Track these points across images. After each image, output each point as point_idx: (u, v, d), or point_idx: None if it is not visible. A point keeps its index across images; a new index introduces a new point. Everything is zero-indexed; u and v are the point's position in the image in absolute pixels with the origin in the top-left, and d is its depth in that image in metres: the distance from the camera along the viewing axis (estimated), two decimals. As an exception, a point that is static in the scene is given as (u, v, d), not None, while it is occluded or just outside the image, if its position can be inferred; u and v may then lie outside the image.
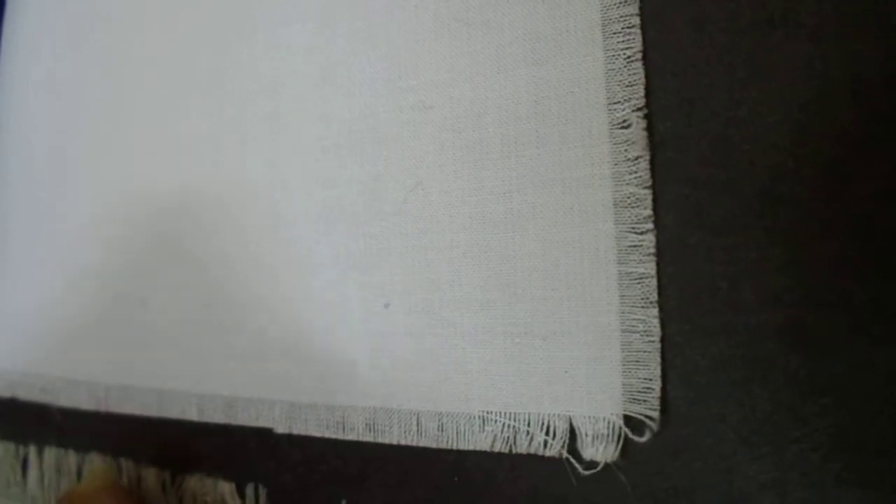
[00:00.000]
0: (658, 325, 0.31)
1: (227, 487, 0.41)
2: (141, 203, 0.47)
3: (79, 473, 0.50)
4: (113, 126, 0.49)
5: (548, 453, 0.32)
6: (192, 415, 0.42)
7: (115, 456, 0.48)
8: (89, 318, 0.50)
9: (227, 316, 0.42)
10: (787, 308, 0.29)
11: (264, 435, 0.40)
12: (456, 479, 0.34)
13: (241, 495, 0.41)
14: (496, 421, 0.33)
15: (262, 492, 0.40)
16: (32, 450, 0.52)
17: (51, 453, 0.51)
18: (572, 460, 0.32)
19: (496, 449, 0.33)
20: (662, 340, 0.31)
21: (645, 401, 0.31)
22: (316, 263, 0.39)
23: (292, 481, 0.39)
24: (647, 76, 0.31)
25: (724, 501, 0.29)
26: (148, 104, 0.47)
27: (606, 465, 0.31)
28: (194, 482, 0.43)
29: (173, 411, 0.44)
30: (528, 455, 0.33)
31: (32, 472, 0.52)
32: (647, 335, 0.31)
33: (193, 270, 0.43)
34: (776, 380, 0.29)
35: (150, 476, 0.45)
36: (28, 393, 0.52)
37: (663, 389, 0.31)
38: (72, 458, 0.50)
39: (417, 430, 0.35)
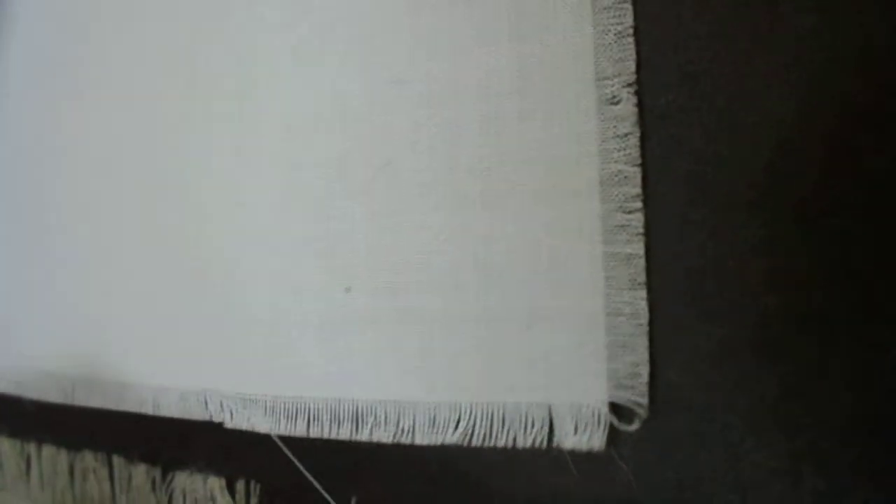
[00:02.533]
0: (646, 308, 0.29)
1: (216, 483, 0.40)
2: (110, 181, 0.45)
3: (71, 472, 0.48)
4: (91, 104, 0.47)
5: (527, 444, 0.29)
6: (149, 408, 0.41)
7: (107, 453, 0.46)
8: (56, 310, 0.48)
9: (182, 306, 0.40)
10: (797, 288, 0.27)
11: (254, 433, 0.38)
12: (452, 471, 0.32)
13: (232, 492, 0.39)
14: (466, 412, 0.30)
15: (256, 487, 0.38)
16: (33, 447, 0.50)
17: (47, 451, 0.50)
18: (565, 452, 0.29)
19: (468, 443, 0.31)
20: (652, 322, 0.28)
21: (632, 387, 0.28)
22: (274, 246, 0.36)
23: (288, 477, 0.36)
24: (646, 51, 0.30)
25: (733, 491, 0.27)
26: (123, 82, 0.45)
27: (609, 457, 0.29)
28: (184, 479, 0.41)
29: (131, 404, 0.42)
30: (516, 451, 0.30)
31: (34, 471, 0.51)
32: (635, 318, 0.29)
33: (155, 256, 0.41)
34: (786, 364, 0.27)
35: (140, 473, 0.43)
36: (4, 387, 0.50)
37: (662, 376, 0.28)
38: (63, 456, 0.49)
39: (375, 423, 0.32)
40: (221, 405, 0.38)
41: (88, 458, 0.48)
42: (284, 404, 0.35)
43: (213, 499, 0.41)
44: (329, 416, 0.34)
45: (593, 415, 0.29)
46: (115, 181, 0.45)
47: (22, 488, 0.53)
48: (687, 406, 0.28)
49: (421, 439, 0.32)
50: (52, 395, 0.48)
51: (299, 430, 0.35)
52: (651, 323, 0.29)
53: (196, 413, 0.39)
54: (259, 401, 0.36)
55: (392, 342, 0.33)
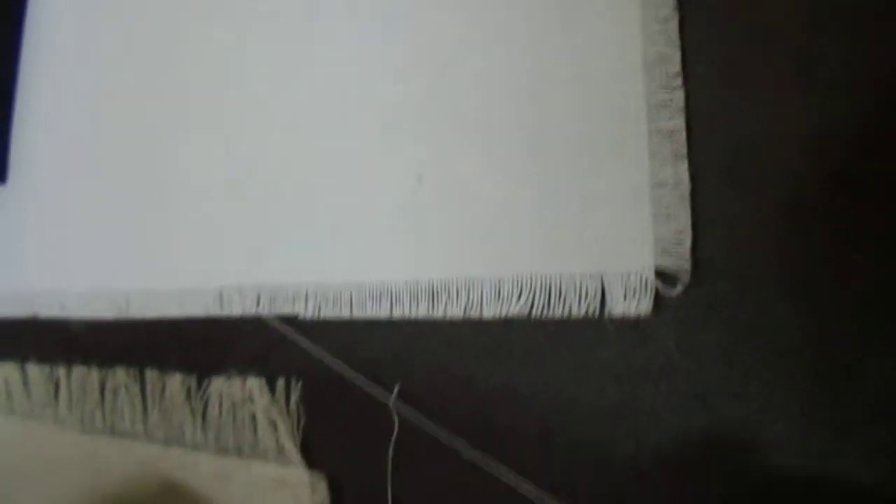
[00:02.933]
0: (688, 179, 0.30)
1: (255, 383, 0.40)
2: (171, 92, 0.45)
3: (101, 390, 0.48)
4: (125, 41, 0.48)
5: (581, 314, 0.31)
6: (215, 309, 0.41)
7: (140, 368, 0.46)
8: (111, 227, 0.48)
9: (249, 203, 0.41)
10: (831, 156, 0.29)
11: (297, 326, 0.39)
12: (498, 352, 0.33)
13: (272, 391, 0.40)
14: (527, 286, 0.32)
15: (297, 385, 0.39)
16: (62, 371, 0.51)
17: (77, 372, 0.50)
18: (611, 320, 0.31)
19: (527, 313, 0.32)
20: (693, 193, 0.30)
21: (676, 253, 0.30)
22: (351, 140, 0.38)
23: (329, 370, 0.38)
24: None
25: (769, 355, 0.29)
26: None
27: (648, 325, 0.31)
28: (221, 383, 0.42)
29: (195, 308, 0.42)
30: (568, 321, 0.32)
31: (62, 394, 0.51)
32: (678, 189, 0.30)
33: (218, 156, 0.42)
34: (820, 230, 0.29)
35: (174, 383, 0.44)
36: (49, 310, 0.51)
37: (704, 244, 0.30)
38: (94, 374, 0.49)
39: (448, 300, 0.34)
40: (306, 297, 0.39)
41: (120, 374, 0.48)
42: (370, 289, 0.37)
43: (251, 399, 0.41)
44: (408, 296, 0.35)
45: (641, 281, 0.31)
46: (175, 93, 0.46)
47: (49, 414, 0.53)
48: (725, 272, 0.30)
49: (488, 312, 0.34)
50: (105, 312, 0.48)
51: (383, 311, 0.36)
52: (692, 194, 0.31)
53: (272, 308, 0.40)
54: (345, 288, 0.37)
55: (460, 225, 0.35)
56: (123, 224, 0.49)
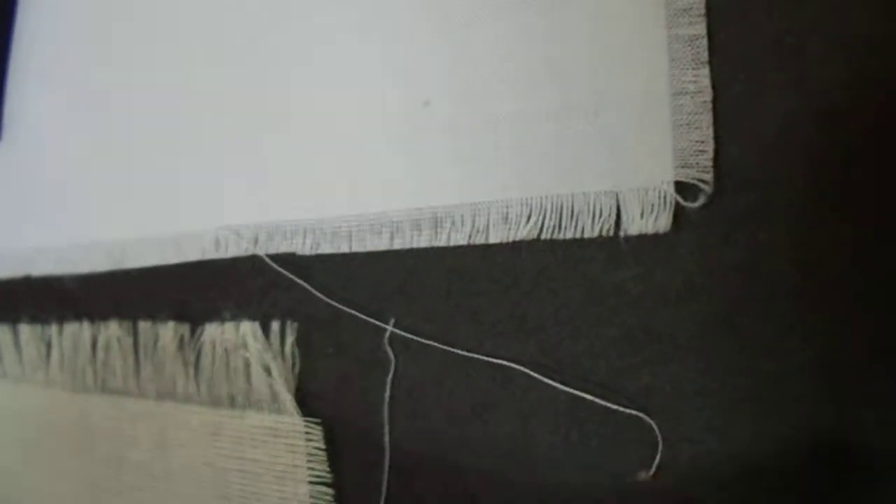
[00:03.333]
0: (710, 86, 0.28)
1: (249, 328, 0.38)
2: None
3: (93, 346, 0.46)
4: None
5: (595, 234, 0.29)
6: (211, 252, 0.39)
7: (133, 321, 0.44)
8: (105, 178, 0.46)
9: (248, 139, 0.39)
10: (858, 57, 0.26)
11: (294, 265, 0.36)
12: (504, 279, 0.31)
13: (267, 334, 0.37)
14: (536, 207, 0.30)
15: (292, 327, 0.36)
16: (54, 329, 0.48)
17: (69, 330, 0.48)
18: (627, 239, 0.29)
19: (538, 235, 0.30)
20: (716, 101, 0.28)
21: (697, 164, 0.28)
22: (353, 68, 0.35)
23: (325, 310, 0.35)
24: None
25: (795, 267, 0.26)
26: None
27: (667, 243, 0.28)
28: (214, 329, 0.39)
29: (192, 252, 0.40)
30: (581, 243, 0.30)
31: (54, 353, 0.49)
32: (699, 96, 0.28)
33: (214, 93, 0.40)
34: (854, 135, 0.26)
35: (167, 333, 0.42)
36: (43, 267, 0.49)
37: (726, 154, 0.28)
38: (86, 331, 0.47)
39: (452, 227, 0.32)
40: (304, 233, 0.36)
41: (112, 328, 0.46)
42: (370, 221, 0.34)
43: (244, 345, 0.39)
44: (410, 226, 0.33)
45: (659, 196, 0.29)
46: (171, 33, 0.44)
47: (41, 375, 0.51)
48: (750, 184, 0.28)
49: (495, 237, 0.31)
50: (100, 264, 0.46)
51: (383, 243, 0.34)
52: (714, 101, 0.29)
53: (269, 247, 0.38)
54: (343, 222, 0.35)
55: (468, 148, 0.32)
56: (118, 173, 0.47)
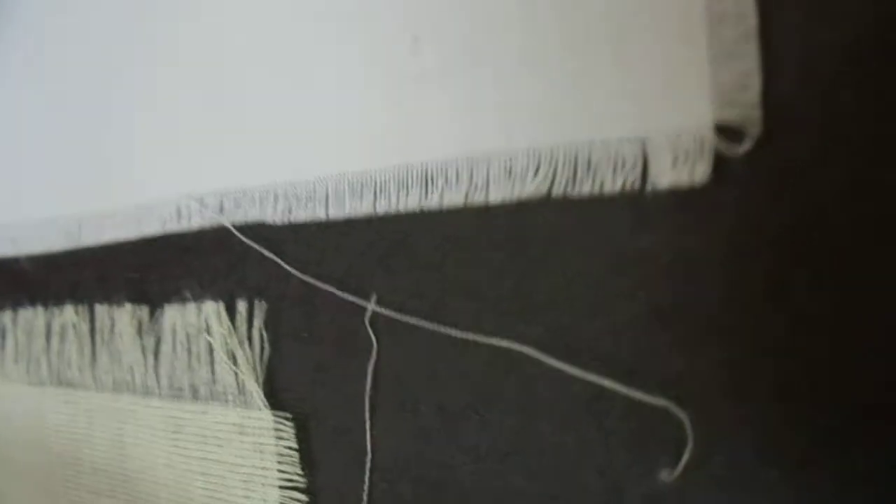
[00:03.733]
0: (754, 10, 0.22)
1: (212, 309, 0.33)
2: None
3: (48, 332, 0.41)
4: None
5: (617, 189, 0.24)
6: (173, 222, 0.34)
7: (89, 302, 0.39)
8: (60, 151, 0.41)
9: (210, 95, 0.33)
10: None
11: (261, 237, 0.31)
12: (507, 246, 0.25)
13: (233, 315, 0.32)
14: (546, 159, 0.25)
15: (260, 307, 0.31)
16: (8, 316, 0.43)
17: (24, 316, 0.42)
18: (656, 194, 0.23)
19: (548, 192, 0.25)
20: (762, 28, 0.22)
21: (741, 102, 0.22)
22: None
23: (298, 287, 0.30)
24: None
25: (863, 228, 0.21)
26: None
27: (705, 198, 0.23)
28: (174, 312, 0.34)
29: (153, 225, 0.35)
30: (600, 200, 0.24)
31: (9, 343, 0.44)
32: (742, 21, 0.23)
33: (171, 45, 0.35)
34: None
35: (124, 316, 0.36)
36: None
37: (776, 91, 0.22)
38: (41, 317, 0.41)
39: (446, 184, 0.26)
40: (275, 198, 0.31)
41: (68, 313, 0.41)
42: (350, 181, 0.29)
43: (207, 328, 0.34)
44: (396, 184, 0.28)
45: (695, 140, 0.24)
46: None
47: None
48: (804, 125, 0.23)
49: (496, 194, 0.26)
50: (57, 243, 0.41)
51: (365, 207, 0.29)
52: (761, 28, 0.23)
53: (236, 215, 0.32)
54: (319, 184, 0.30)
55: (465, 94, 0.27)
56: (73, 144, 0.42)
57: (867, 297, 0.21)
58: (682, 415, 0.23)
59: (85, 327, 0.40)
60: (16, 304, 0.45)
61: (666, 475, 0.23)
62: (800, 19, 0.23)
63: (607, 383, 0.23)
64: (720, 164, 0.23)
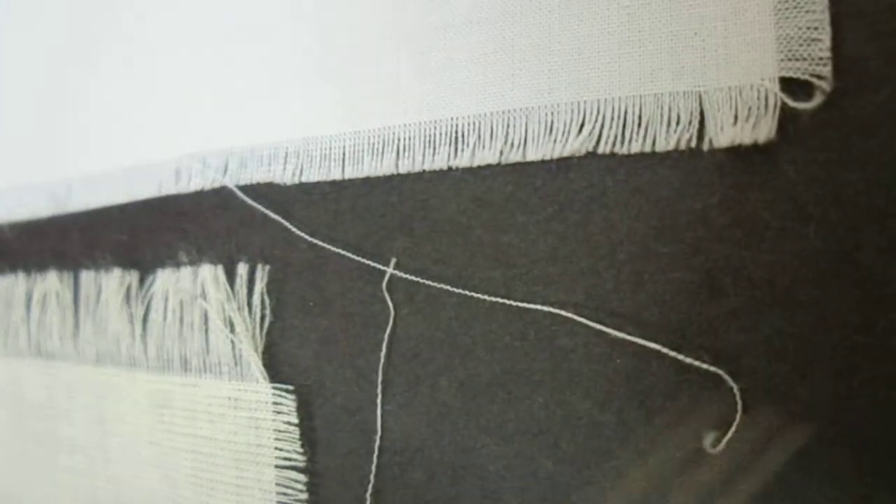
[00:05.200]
0: (826, -43, 0.20)
1: (209, 272, 0.29)
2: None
3: (28, 301, 0.36)
4: None
5: (670, 146, 0.20)
6: (170, 185, 0.30)
7: (74, 270, 0.34)
8: (47, 111, 0.37)
9: (211, 46, 0.30)
10: None
11: (266, 198, 0.28)
12: (546, 209, 0.22)
13: (232, 281, 0.28)
14: (592, 112, 0.21)
15: (263, 270, 0.27)
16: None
17: (2, 283, 0.38)
18: (713, 152, 0.20)
19: (593, 149, 0.21)
20: None
21: (809, 56, 0.20)
22: None
23: (307, 252, 0.26)
24: None
25: None
26: None
27: (767, 157, 0.20)
28: (166, 277, 0.30)
29: (148, 187, 0.31)
30: (651, 158, 0.21)
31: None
32: (812, -31, 0.20)
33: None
34: None
35: (112, 282, 0.32)
36: None
37: (848, 44, 0.19)
38: (21, 285, 0.37)
39: (478, 142, 0.23)
40: (285, 157, 0.27)
41: (51, 280, 0.36)
42: (369, 138, 0.25)
43: (203, 294, 0.30)
44: (423, 143, 0.24)
45: (758, 96, 0.21)
46: None
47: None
48: (878, 81, 0.20)
49: (534, 152, 0.23)
50: (41, 209, 0.37)
51: (387, 166, 0.25)
52: (833, -22, 0.21)
53: (241, 176, 0.29)
54: (335, 141, 0.26)
55: (500, 42, 0.24)
56: (62, 103, 0.38)
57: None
58: (734, 384, 0.20)
59: (69, 295, 0.36)
60: (-4, 271, 0.41)
61: (711, 444, 0.20)
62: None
63: (654, 346, 0.20)
64: (785, 121, 0.20)
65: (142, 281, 0.33)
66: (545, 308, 0.22)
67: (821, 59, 0.20)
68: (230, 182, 0.30)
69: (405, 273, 0.25)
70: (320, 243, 0.27)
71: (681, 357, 0.20)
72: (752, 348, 0.20)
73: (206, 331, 0.30)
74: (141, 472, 0.33)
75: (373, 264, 0.25)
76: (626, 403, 0.21)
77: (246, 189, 0.29)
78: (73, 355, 0.36)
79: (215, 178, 0.30)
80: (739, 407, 0.20)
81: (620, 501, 0.22)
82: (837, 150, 0.20)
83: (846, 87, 0.20)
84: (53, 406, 0.37)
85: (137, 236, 0.33)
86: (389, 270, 0.25)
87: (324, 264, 0.27)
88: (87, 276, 0.35)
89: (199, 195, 0.31)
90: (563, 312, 0.22)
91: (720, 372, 0.20)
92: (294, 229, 0.28)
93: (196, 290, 0.30)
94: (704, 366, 0.20)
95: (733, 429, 0.20)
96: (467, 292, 0.23)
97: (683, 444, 0.21)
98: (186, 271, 0.31)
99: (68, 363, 0.36)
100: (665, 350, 0.20)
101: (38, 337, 0.38)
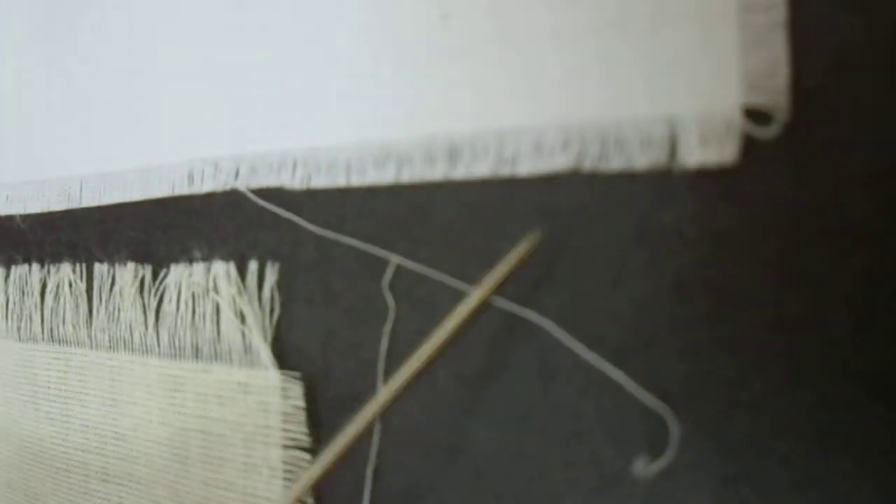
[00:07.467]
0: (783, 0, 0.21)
1: (221, 268, 0.29)
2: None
3: (42, 289, 0.36)
4: None
5: (644, 166, 0.22)
6: (183, 186, 0.30)
7: (88, 262, 0.34)
8: (61, 108, 0.37)
9: (226, 57, 0.30)
10: None
11: (276, 200, 0.28)
12: (532, 217, 0.23)
13: (243, 277, 0.29)
14: (575, 134, 0.22)
15: (273, 267, 0.28)
16: (0, 273, 0.38)
17: (17, 273, 0.38)
18: (684, 172, 0.21)
19: (576, 167, 0.22)
20: (791, 17, 0.21)
21: (769, 87, 0.21)
22: None
23: (314, 251, 0.27)
24: None
25: (888, 216, 0.19)
26: None
27: (731, 177, 0.21)
28: (180, 271, 0.30)
29: (161, 188, 0.31)
30: (626, 176, 0.22)
31: (0, 300, 0.39)
32: (771, 9, 0.21)
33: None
34: None
35: (126, 275, 0.32)
36: None
37: (804, 77, 0.21)
38: (36, 275, 0.37)
39: (473, 157, 0.24)
40: (294, 165, 0.28)
41: (65, 271, 0.36)
42: (371, 148, 0.26)
43: (216, 288, 0.30)
44: (422, 156, 0.25)
45: (723, 122, 0.22)
46: None
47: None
48: (831, 112, 0.21)
49: (524, 168, 0.24)
50: (55, 203, 0.36)
51: (389, 175, 0.26)
52: (791, 17, 0.22)
53: (252, 180, 0.29)
54: (341, 152, 0.27)
55: (494, 68, 0.25)
56: (75, 102, 0.37)
57: (887, 280, 0.19)
58: (668, 413, 0.21)
59: (82, 285, 0.36)
60: (9, 262, 0.40)
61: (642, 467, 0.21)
62: (829, 9, 0.21)
63: (610, 372, 0.21)
64: (748, 146, 0.21)
65: (155, 275, 0.33)
66: (527, 315, 0.23)
67: (779, 91, 0.22)
68: (241, 185, 0.30)
69: (405, 273, 0.26)
70: (327, 233, 0.27)
71: (633, 389, 0.21)
72: (714, 347, 0.21)
73: (218, 322, 0.30)
74: (151, 450, 0.33)
75: (377, 251, 0.26)
76: (602, 393, 0.23)
77: (257, 192, 0.30)
78: (86, 341, 0.36)
79: (227, 181, 0.31)
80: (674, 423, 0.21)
81: (596, 479, 0.23)
82: (795, 172, 0.21)
83: (803, 115, 0.21)
84: (66, 387, 0.37)
85: (151, 232, 0.33)
86: (394, 259, 0.26)
87: (329, 264, 0.28)
88: (100, 268, 0.35)
89: (210, 196, 0.31)
90: (542, 321, 0.23)
91: (658, 405, 0.21)
92: (302, 223, 0.28)
93: (209, 283, 0.31)
94: (647, 401, 0.21)
95: (671, 450, 0.21)
96: (462, 284, 0.24)
97: (654, 428, 0.22)
98: (199, 267, 0.31)
99: (81, 349, 0.36)
100: (620, 377, 0.21)
101: (53, 323, 0.38)
